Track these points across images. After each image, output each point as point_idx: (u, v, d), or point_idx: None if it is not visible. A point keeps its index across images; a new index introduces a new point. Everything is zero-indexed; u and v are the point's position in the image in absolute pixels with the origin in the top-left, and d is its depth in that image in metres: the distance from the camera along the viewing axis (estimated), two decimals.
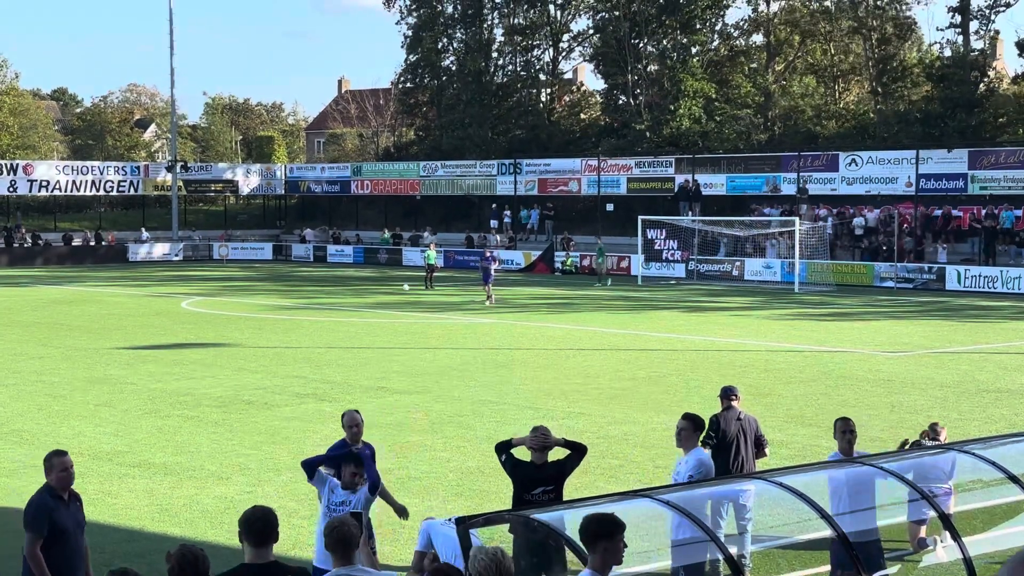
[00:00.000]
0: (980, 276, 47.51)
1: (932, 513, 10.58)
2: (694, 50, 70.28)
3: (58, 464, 10.21)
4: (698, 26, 70.27)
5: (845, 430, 11.50)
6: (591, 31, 77.40)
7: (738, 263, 53.99)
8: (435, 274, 49.66)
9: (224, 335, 32.84)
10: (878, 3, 65.15)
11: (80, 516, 10.12)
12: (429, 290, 47.57)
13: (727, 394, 13.33)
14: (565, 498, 11.01)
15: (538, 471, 11.06)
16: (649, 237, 55.68)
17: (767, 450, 13.36)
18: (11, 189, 70.46)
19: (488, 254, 44.50)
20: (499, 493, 11.66)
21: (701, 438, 13.32)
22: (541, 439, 10.90)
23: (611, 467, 16.93)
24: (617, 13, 71.00)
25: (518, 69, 79.40)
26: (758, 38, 72.05)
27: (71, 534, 9.98)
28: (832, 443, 18.38)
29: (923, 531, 12.27)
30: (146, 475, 16.67)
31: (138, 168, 76.82)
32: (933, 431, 13.84)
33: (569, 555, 9.36)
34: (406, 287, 48.55)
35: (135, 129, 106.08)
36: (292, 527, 14.11)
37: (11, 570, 12.50)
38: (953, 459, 11.56)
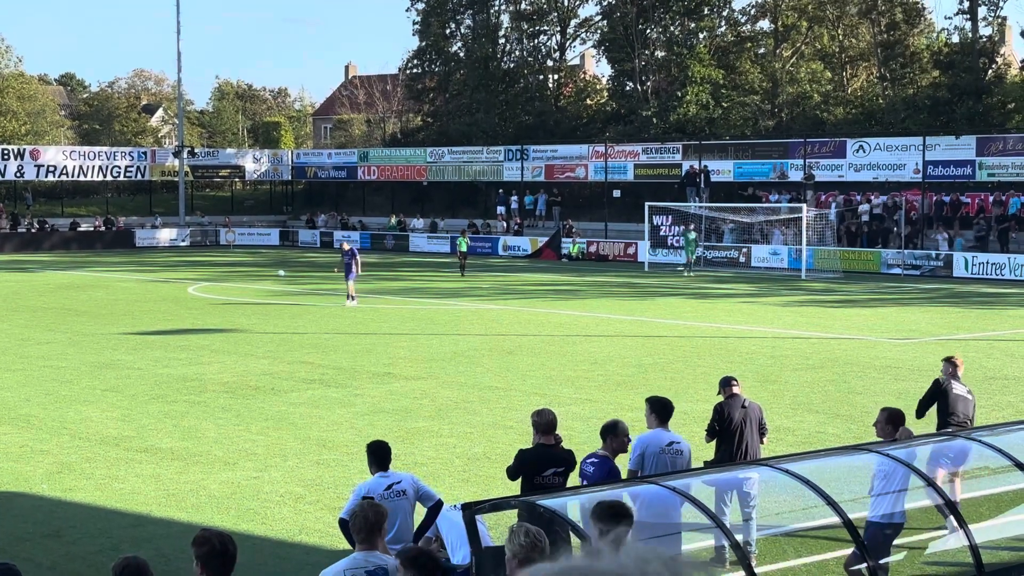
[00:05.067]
0: (987, 263, 47.42)
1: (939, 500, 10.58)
2: (701, 36, 70.14)
3: None
4: (705, 12, 70.12)
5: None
6: (598, 17, 77.28)
7: (745, 250, 53.93)
8: (467, 260, 49.49)
9: (230, 320, 32.87)
10: None
11: None
12: (464, 277, 47.41)
13: (727, 383, 13.36)
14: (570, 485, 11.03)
15: (548, 451, 11.11)
16: (655, 223, 55.57)
17: (766, 439, 13.37)
18: (19, 174, 70.47)
19: (348, 248, 38.65)
20: (505, 479, 11.67)
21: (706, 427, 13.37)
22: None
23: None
24: None
25: (525, 55, 79.27)
26: (765, 24, 71.93)
27: None
28: (837, 430, 18.46)
29: None
30: (153, 460, 16.70)
31: (145, 154, 76.79)
32: (952, 364, 14.22)
33: (574, 539, 9.37)
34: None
35: (142, 114, 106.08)
36: (298, 512, 14.16)
37: (18, 554, 12.54)
38: (961, 448, 11.56)
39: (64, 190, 77.39)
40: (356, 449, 17.24)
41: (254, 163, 79.75)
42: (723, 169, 59.01)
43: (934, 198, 53.60)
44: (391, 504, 9.96)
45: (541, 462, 11.06)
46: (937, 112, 59.30)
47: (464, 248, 49.56)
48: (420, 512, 10.57)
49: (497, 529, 10.01)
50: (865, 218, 53.65)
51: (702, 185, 58.09)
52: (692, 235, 51.03)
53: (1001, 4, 61.73)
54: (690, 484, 9.84)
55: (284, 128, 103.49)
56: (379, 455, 10.52)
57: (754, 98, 68.30)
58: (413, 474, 10.79)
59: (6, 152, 70.13)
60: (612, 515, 7.62)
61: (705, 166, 58.68)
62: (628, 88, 73.15)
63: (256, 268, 54.12)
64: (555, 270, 52.95)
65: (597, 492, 10.18)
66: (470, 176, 70.05)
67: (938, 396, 14.32)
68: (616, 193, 62.90)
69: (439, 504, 10.33)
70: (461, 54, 79.63)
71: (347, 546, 10.75)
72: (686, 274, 49.31)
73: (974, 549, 9.71)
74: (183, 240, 71.66)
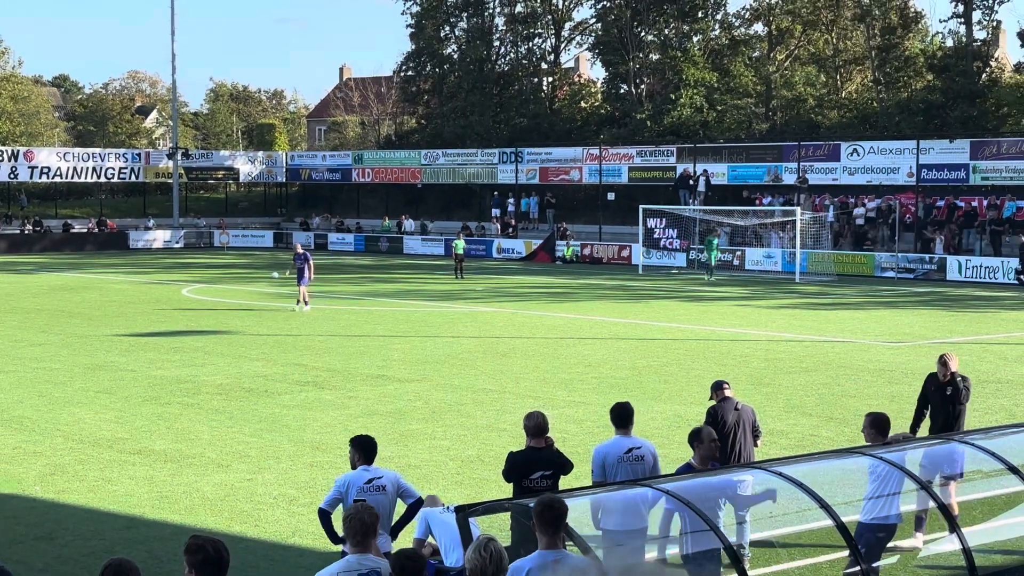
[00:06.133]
0: (981, 266, 47.45)
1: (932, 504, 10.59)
2: (696, 39, 70.18)
3: None
4: (699, 15, 70.17)
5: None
6: (593, 19, 77.34)
7: (739, 252, 53.95)
8: (464, 263, 49.39)
9: (224, 323, 32.85)
10: None
11: None
12: (460, 279, 47.46)
13: (719, 386, 13.38)
14: (564, 487, 11.02)
15: (537, 454, 11.13)
16: (649, 226, 55.59)
17: (759, 441, 13.35)
18: (12, 175, 70.38)
19: (300, 252, 37.05)
20: (498, 482, 11.68)
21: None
22: None
23: None
24: (619, 1, 70.93)
25: (520, 58, 79.30)
26: (759, 27, 71.93)
27: None
28: (830, 434, 18.48)
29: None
30: (146, 462, 16.68)
31: (139, 155, 76.74)
32: (943, 364, 14.06)
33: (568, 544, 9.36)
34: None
35: (136, 116, 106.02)
36: (291, 514, 14.14)
37: (10, 556, 12.52)
38: (955, 451, 11.56)
39: (58, 191, 77.32)
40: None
41: (248, 165, 79.70)
42: (717, 172, 59.01)
43: (928, 201, 53.64)
44: (369, 499, 10.11)
45: (529, 465, 11.08)
46: (931, 115, 59.37)
47: (460, 250, 49.52)
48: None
49: (490, 532, 10.00)
50: (860, 221, 53.70)
51: (700, 188, 58.12)
52: (716, 240, 50.28)
53: (996, 8, 61.92)
54: (685, 486, 9.83)
55: (278, 130, 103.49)
56: (365, 448, 10.60)
57: (748, 101, 68.33)
58: (398, 473, 10.86)
59: (0, 153, 70.04)
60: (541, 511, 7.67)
61: (705, 169, 58.67)
62: (622, 91, 73.16)
63: (250, 270, 54.08)
64: (549, 273, 52.97)
65: (588, 496, 10.18)
66: (464, 179, 70.07)
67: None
68: (610, 196, 62.93)
69: (420, 501, 10.47)
70: (455, 56, 79.65)
71: (339, 549, 10.74)
72: (707, 279, 48.29)
73: (967, 552, 9.72)
74: (177, 242, 71.62)
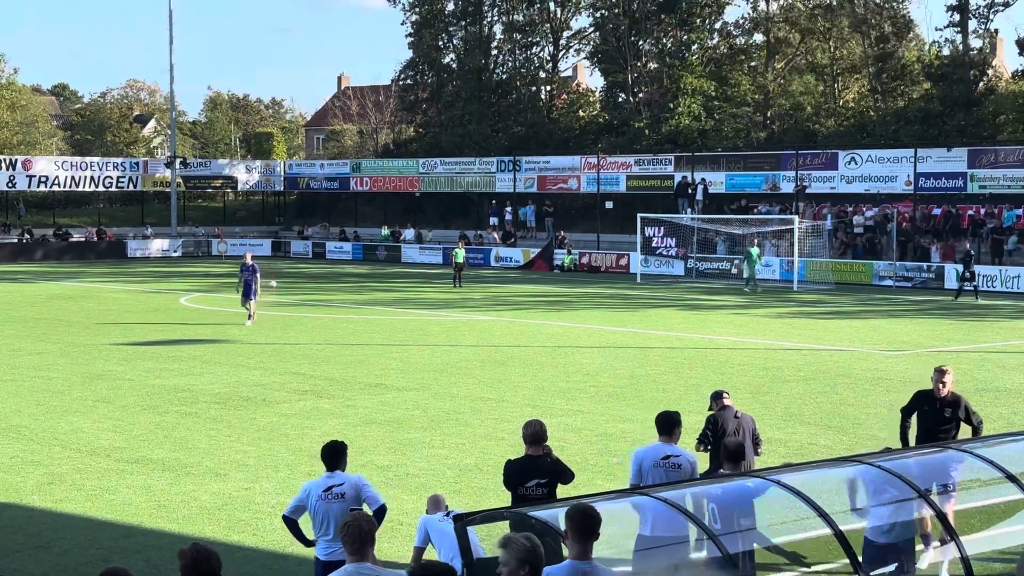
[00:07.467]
0: (979, 275, 47.38)
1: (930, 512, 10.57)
2: (694, 48, 70.27)
3: None
4: (697, 24, 70.26)
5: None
6: (591, 28, 77.41)
7: (736, 261, 53.92)
8: (463, 272, 49.36)
9: (222, 331, 32.82)
10: (876, 0, 65.11)
11: None
12: (458, 288, 47.46)
13: (718, 395, 13.43)
14: (562, 496, 11.01)
15: (533, 462, 11.15)
16: (647, 235, 55.59)
17: (760, 450, 13.36)
18: (10, 184, 70.37)
19: (249, 263, 35.34)
20: (496, 490, 11.68)
21: (698, 436, 13.38)
22: None
23: (609, 465, 16.93)
24: (617, 10, 70.99)
25: (518, 66, 79.37)
26: (758, 37, 71.98)
27: None
28: (829, 442, 18.48)
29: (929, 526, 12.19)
30: (144, 471, 16.66)
31: (137, 164, 76.76)
32: (940, 374, 13.62)
33: (565, 552, 9.34)
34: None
35: (135, 125, 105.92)
36: None
37: (7, 565, 12.51)
38: (953, 460, 11.54)
39: (56, 200, 77.28)
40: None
41: (246, 174, 79.73)
42: (715, 181, 59.06)
43: (925, 209, 53.68)
44: (325, 506, 10.23)
45: (525, 473, 11.10)
46: (928, 124, 59.41)
47: (461, 259, 49.49)
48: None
49: (489, 540, 9.99)
50: (860, 230, 53.70)
51: (697, 196, 58.14)
52: (756, 251, 48.37)
53: (991, 17, 61.99)
54: (683, 495, 9.82)
55: (276, 139, 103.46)
56: (327, 456, 10.62)
57: (746, 110, 68.39)
58: (361, 475, 10.92)
59: None
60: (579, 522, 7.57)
61: (703, 178, 58.69)
62: (620, 99, 73.21)
63: None
64: (547, 281, 52.96)
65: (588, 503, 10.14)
66: (462, 187, 70.09)
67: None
68: (608, 204, 62.96)
69: (383, 508, 10.44)
70: (454, 65, 79.72)
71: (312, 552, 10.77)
72: (759, 291, 46.72)
73: (965, 561, 9.71)
74: (175, 251, 71.61)
